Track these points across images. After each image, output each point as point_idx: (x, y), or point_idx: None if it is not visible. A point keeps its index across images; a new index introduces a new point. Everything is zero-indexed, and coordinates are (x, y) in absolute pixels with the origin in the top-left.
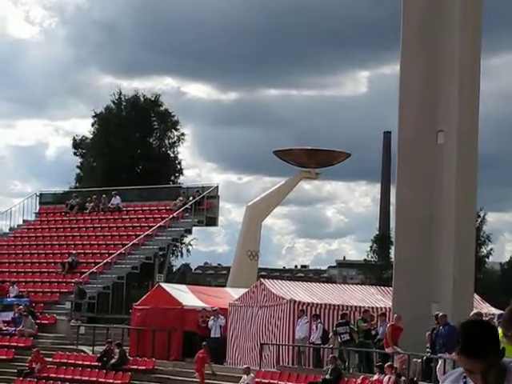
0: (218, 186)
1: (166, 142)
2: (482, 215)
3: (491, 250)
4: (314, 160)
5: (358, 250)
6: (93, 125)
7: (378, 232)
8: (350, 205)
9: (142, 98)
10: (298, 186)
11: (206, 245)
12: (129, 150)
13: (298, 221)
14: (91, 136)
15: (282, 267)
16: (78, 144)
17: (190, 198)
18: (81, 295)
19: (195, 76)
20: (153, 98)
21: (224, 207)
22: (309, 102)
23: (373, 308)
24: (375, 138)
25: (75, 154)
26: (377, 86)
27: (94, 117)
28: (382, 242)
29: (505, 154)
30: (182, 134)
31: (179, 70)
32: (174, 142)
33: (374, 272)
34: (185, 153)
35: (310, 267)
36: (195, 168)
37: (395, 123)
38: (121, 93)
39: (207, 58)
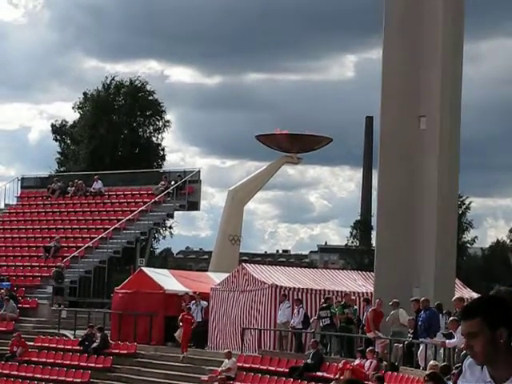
0: (199, 171)
1: (151, 128)
2: (465, 201)
3: (475, 237)
4: (296, 145)
5: (340, 235)
6: (75, 108)
7: (359, 217)
8: (333, 190)
9: (129, 84)
10: (281, 171)
11: (188, 229)
12: (113, 135)
13: (281, 205)
14: (74, 120)
15: (263, 252)
16: (57, 129)
17: (172, 183)
18: (58, 279)
19: (179, 59)
20: (140, 85)
21: (207, 191)
22: (294, 87)
23: (354, 293)
24: (359, 124)
25: (55, 139)
26: (363, 70)
27: (83, 99)
28: (363, 227)
29: (489, 140)
30: (167, 122)
31: (163, 54)
32: (159, 129)
33: (355, 257)
34: (168, 137)
35: (292, 252)
36: (179, 152)
37: (378, 108)
38: (113, 78)
39: (191, 42)
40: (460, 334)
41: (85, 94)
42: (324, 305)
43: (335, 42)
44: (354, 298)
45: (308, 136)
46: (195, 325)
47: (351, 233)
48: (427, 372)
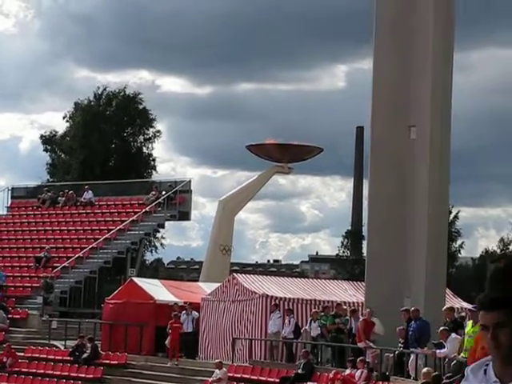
0: (190, 181)
1: (142, 138)
2: (453, 211)
3: (462, 243)
4: (287, 155)
5: (331, 245)
6: (66, 118)
7: (350, 227)
8: (324, 200)
9: (121, 94)
10: (273, 181)
11: (179, 239)
12: (104, 145)
13: (273, 215)
14: (64, 130)
15: (254, 262)
16: (47, 139)
17: (163, 193)
18: (48, 289)
19: (170, 69)
20: (132, 95)
21: (198, 201)
22: (284, 97)
23: (345, 303)
24: (349, 133)
25: (45, 150)
26: (354, 80)
27: (74, 109)
28: (354, 236)
29: (479, 149)
30: (158, 132)
31: (154, 63)
32: (150, 138)
33: (346, 267)
34: (159, 147)
35: (283, 262)
36: (170, 162)
37: (368, 119)
38: (105, 88)
39: (182, 51)
40: (451, 342)
41: (76, 104)
42: (321, 313)
43: (326, 51)
44: (345, 307)
45: (299, 146)
46: (183, 331)
47: (342, 242)
48: (422, 381)
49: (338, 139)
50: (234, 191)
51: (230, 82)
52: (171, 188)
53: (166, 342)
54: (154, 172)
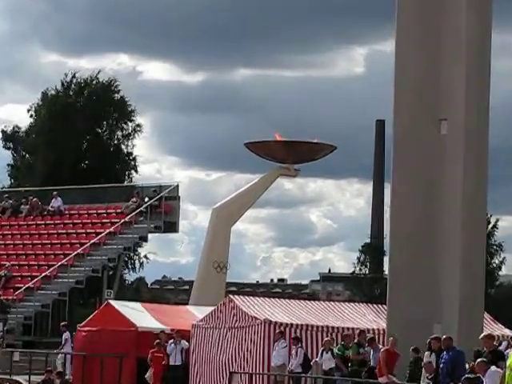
0: (178, 185)
1: (119, 133)
2: (492, 220)
3: (504, 259)
4: (294, 154)
5: (347, 260)
6: (31, 111)
7: (369, 239)
8: (338, 207)
9: (94, 82)
10: (276, 185)
11: (165, 255)
12: (75, 142)
13: (277, 226)
14: (28, 125)
15: (255, 281)
16: (9, 136)
17: (146, 199)
18: (2, 310)
19: (155, 53)
20: (106, 82)
21: (188, 210)
22: (291, 85)
23: (363, 330)
24: (368, 128)
25: (6, 147)
26: (374, 65)
27: (42, 101)
28: (373, 251)
29: None
30: (138, 126)
31: (135, 46)
32: (129, 134)
33: (364, 287)
34: (141, 145)
35: (289, 281)
36: (154, 163)
37: (390, 111)
38: (74, 75)
39: (169, 32)
40: (490, 377)
41: (43, 94)
42: (341, 343)
43: (340, 31)
44: (369, 335)
45: (307, 143)
46: (171, 364)
47: (359, 258)
48: None
49: (355, 135)
50: (231, 197)
51: (226, 67)
52: (155, 194)
53: (147, 375)
54: (134, 175)
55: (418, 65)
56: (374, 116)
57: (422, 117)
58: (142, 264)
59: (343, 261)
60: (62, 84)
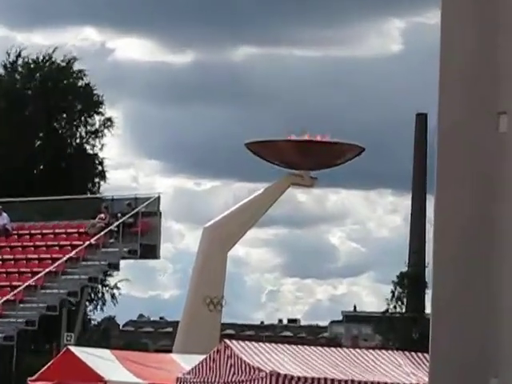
0: (159, 197)
1: (83, 130)
2: None
3: None
4: (309, 157)
5: (377, 295)
6: None
7: (407, 268)
8: (367, 226)
9: (47, 62)
10: (288, 198)
11: (142, 287)
12: (24, 142)
13: (287, 250)
14: None
15: (259, 322)
16: None
17: (118, 216)
18: None
19: (131, 26)
20: (64, 63)
21: (172, 229)
22: (306, 68)
23: None
24: (406, 124)
25: None
26: (414, 42)
27: None
28: (412, 283)
29: None
30: (108, 120)
31: (106, 18)
32: (96, 131)
33: (399, 330)
34: (112, 145)
35: (303, 322)
36: (128, 168)
37: (435, 101)
38: (19, 53)
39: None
40: None
41: None
42: None
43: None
44: None
45: (328, 144)
46: None
47: (394, 292)
48: None
49: (389, 133)
50: (228, 213)
51: (223, 44)
52: (130, 209)
53: None
54: (102, 184)
55: (470, 42)
56: (413, 109)
57: (476, 109)
58: (112, 298)
59: (373, 296)
60: (5, 66)
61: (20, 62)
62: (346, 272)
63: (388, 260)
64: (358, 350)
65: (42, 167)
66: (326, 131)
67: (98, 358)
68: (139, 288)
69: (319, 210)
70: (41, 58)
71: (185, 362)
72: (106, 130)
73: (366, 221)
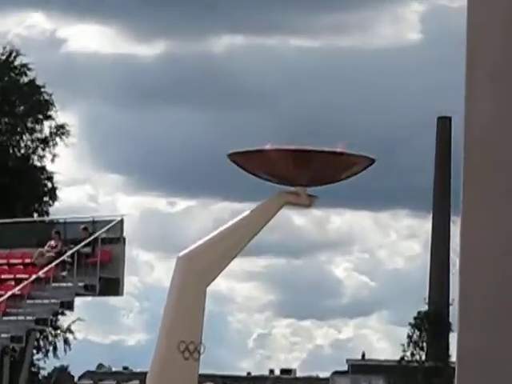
0: (122, 220)
1: (28, 138)
2: None
3: None
4: (307, 170)
5: (392, 340)
6: None
7: (427, 307)
8: (378, 255)
9: None
10: (282, 221)
11: (101, 331)
12: None
13: (281, 285)
14: None
15: (245, 373)
16: None
17: (72, 243)
18: None
19: (85, 11)
20: (4, 57)
21: (139, 259)
22: (303, 61)
23: None
24: (426, 129)
25: None
26: (435, 29)
27: None
28: (433, 325)
29: None
30: (60, 127)
31: (55, 1)
32: (44, 140)
33: (417, 382)
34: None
35: (299, 373)
36: (84, 184)
37: (460, 101)
38: None
39: None
40: None
41: None
42: None
43: None
44: None
45: (331, 155)
46: None
47: (411, 337)
48: None
49: (404, 141)
50: (207, 240)
51: (202, 33)
52: (87, 234)
53: None
54: (53, 204)
55: (503, 28)
56: (434, 111)
57: (511, 111)
58: (65, 344)
59: (386, 341)
60: None
61: None
62: (353, 311)
63: (404, 296)
64: None
65: None
66: (327, 138)
67: None
68: (98, 332)
69: (320, 235)
70: None
71: None
72: (57, 139)
73: (377, 248)
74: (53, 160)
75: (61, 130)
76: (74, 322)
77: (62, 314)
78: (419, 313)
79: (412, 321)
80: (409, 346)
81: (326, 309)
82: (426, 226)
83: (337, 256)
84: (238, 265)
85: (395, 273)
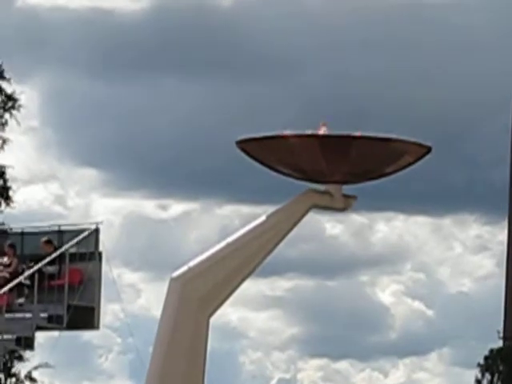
0: (97, 230)
1: None
2: None
3: None
4: (342, 163)
5: (452, 380)
6: None
7: (501, 342)
8: (438, 274)
9: None
10: (304, 228)
11: (72, 378)
12: None
13: (308, 314)
14: None
15: None
16: None
17: (31, 261)
18: None
19: None
20: None
21: (120, 281)
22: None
23: None
24: (496, 111)
25: None
26: None
27: None
28: (509, 366)
29: None
30: (11, 100)
31: None
32: None
33: None
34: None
35: None
36: (47, 181)
37: None
38: None
39: None
40: None
41: None
42: None
43: None
44: None
45: (374, 142)
46: None
47: (480, 382)
48: None
49: (469, 125)
50: (210, 256)
51: None
52: (51, 248)
53: None
54: (5, 208)
55: None
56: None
57: None
58: None
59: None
60: None
61: None
62: (404, 349)
63: (471, 329)
64: None
65: None
66: (368, 121)
67: None
68: (68, 378)
69: (360, 248)
70: None
71: None
72: (6, 115)
73: (436, 265)
74: (2, 147)
75: (12, 106)
76: (36, 368)
77: (19, 357)
78: (491, 351)
79: (482, 361)
80: None
81: (368, 345)
82: (500, 235)
83: (383, 276)
84: (251, 288)
85: (460, 298)
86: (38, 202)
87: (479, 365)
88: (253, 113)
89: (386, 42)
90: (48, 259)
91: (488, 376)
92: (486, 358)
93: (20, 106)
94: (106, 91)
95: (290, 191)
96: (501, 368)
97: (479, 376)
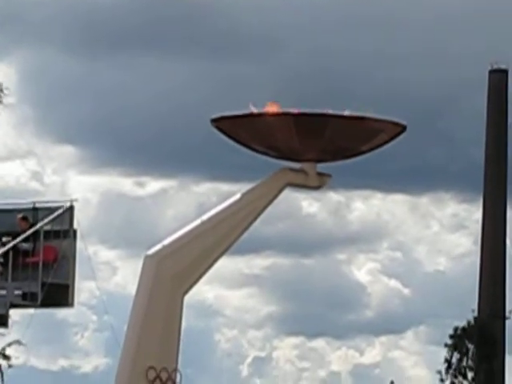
0: (72, 207)
1: None
2: None
3: None
4: (318, 141)
5: (429, 364)
6: None
7: (473, 320)
8: (414, 252)
9: None
10: (280, 207)
11: (46, 355)
12: None
13: (285, 292)
14: None
15: None
16: None
17: (4, 238)
18: None
19: None
20: None
21: (96, 258)
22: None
23: None
24: (472, 87)
25: None
26: None
27: None
28: (482, 343)
29: None
30: None
31: None
32: None
33: None
34: None
35: None
36: (23, 159)
37: None
38: None
39: None
40: None
41: None
42: None
43: None
44: None
45: (350, 120)
46: None
47: (449, 361)
48: None
49: (445, 101)
50: (186, 232)
51: None
52: (26, 225)
53: None
54: None
55: None
56: (484, 62)
57: None
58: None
59: (423, 366)
60: None
61: None
62: (380, 327)
63: (447, 308)
64: None
65: None
66: (345, 98)
67: None
68: (42, 356)
69: (337, 226)
70: None
71: None
72: None
73: (412, 244)
74: None
75: None
76: (9, 344)
77: None
78: (463, 329)
79: (453, 339)
80: (447, 372)
81: (344, 324)
82: (476, 214)
83: (359, 254)
84: (228, 265)
85: (436, 276)
86: (15, 179)
87: (446, 345)
88: (232, 91)
89: (366, 20)
90: (22, 236)
91: (460, 353)
92: (457, 336)
93: (0, 86)
94: (83, 69)
95: (265, 169)
96: (475, 344)
97: (448, 355)
